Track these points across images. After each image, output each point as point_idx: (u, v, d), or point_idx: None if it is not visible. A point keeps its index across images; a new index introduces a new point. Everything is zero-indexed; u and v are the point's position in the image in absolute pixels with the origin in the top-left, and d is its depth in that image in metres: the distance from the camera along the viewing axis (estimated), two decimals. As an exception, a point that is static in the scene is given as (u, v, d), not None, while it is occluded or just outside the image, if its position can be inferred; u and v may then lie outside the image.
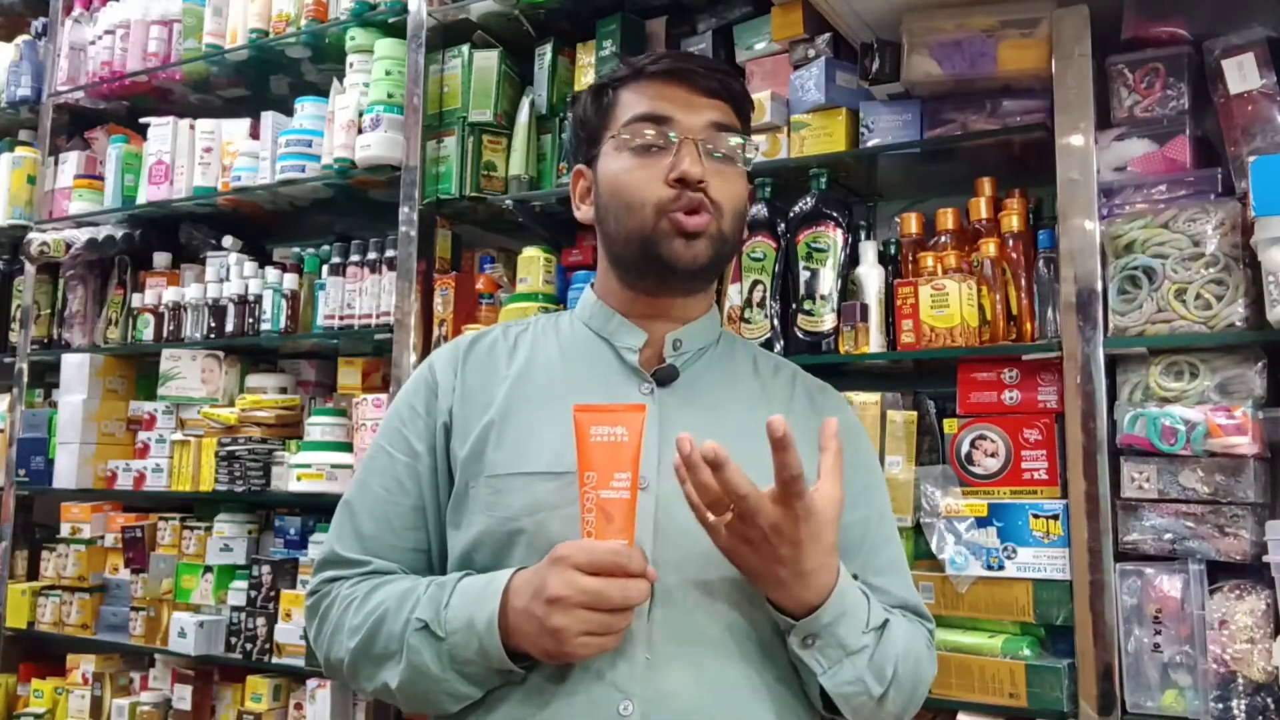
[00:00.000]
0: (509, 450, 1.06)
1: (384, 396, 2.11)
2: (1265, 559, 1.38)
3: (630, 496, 0.92)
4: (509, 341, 1.18)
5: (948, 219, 1.70)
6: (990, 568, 1.53)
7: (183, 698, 2.34)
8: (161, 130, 2.56)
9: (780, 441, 0.88)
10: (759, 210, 1.79)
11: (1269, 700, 1.36)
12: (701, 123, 1.09)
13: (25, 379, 2.77)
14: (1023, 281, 1.60)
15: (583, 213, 1.19)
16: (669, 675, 0.98)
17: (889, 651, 1.01)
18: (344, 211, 2.48)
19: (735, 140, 1.11)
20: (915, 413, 1.66)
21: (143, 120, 2.63)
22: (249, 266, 2.44)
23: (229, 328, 2.42)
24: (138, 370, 2.71)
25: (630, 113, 1.11)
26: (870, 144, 1.73)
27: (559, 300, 2.03)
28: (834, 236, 1.73)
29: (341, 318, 2.25)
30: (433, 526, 1.12)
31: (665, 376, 1.11)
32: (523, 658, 0.96)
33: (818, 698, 1.02)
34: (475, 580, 1.00)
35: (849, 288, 1.74)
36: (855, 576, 1.11)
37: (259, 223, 2.64)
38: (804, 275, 1.74)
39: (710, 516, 0.94)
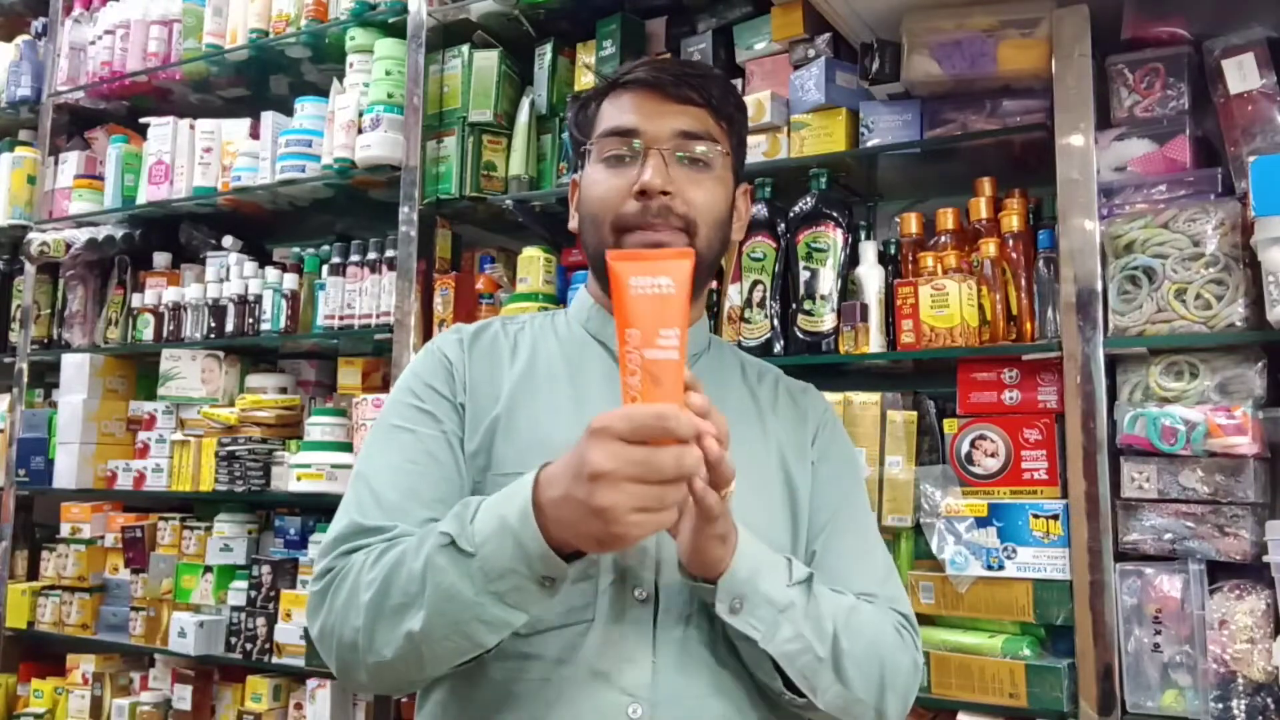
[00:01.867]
0: (518, 448, 1.05)
1: (384, 396, 2.11)
2: (1265, 559, 1.38)
3: (679, 357, 0.80)
4: (509, 338, 1.16)
5: (948, 219, 1.70)
6: (990, 568, 1.53)
7: (183, 698, 2.34)
8: (161, 130, 2.56)
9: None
10: (759, 210, 1.78)
11: (1269, 700, 1.36)
12: (668, 131, 1.07)
13: (25, 379, 2.77)
14: (1023, 281, 1.60)
15: (572, 223, 1.19)
16: (677, 678, 0.97)
17: (822, 607, 0.97)
18: (344, 211, 2.48)
19: (705, 146, 1.08)
20: (915, 413, 1.66)
21: (143, 120, 2.63)
22: (249, 266, 2.44)
23: (229, 328, 2.42)
24: (138, 370, 2.71)
25: (603, 126, 1.11)
26: (870, 144, 1.73)
27: (559, 300, 2.03)
28: (834, 236, 1.73)
29: (341, 318, 2.25)
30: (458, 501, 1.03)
31: None
32: (570, 557, 0.86)
33: (772, 673, 0.97)
34: (500, 492, 0.91)
35: (849, 288, 1.74)
36: (812, 559, 1.08)
37: (259, 223, 2.64)
38: (804, 275, 1.74)
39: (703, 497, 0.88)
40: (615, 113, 1.10)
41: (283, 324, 2.33)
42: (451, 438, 1.05)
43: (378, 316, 2.18)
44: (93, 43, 2.76)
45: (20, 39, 2.93)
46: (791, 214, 1.77)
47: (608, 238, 1.08)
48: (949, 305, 1.60)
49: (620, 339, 0.81)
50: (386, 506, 0.99)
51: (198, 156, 2.51)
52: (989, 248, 1.62)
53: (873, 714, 1.00)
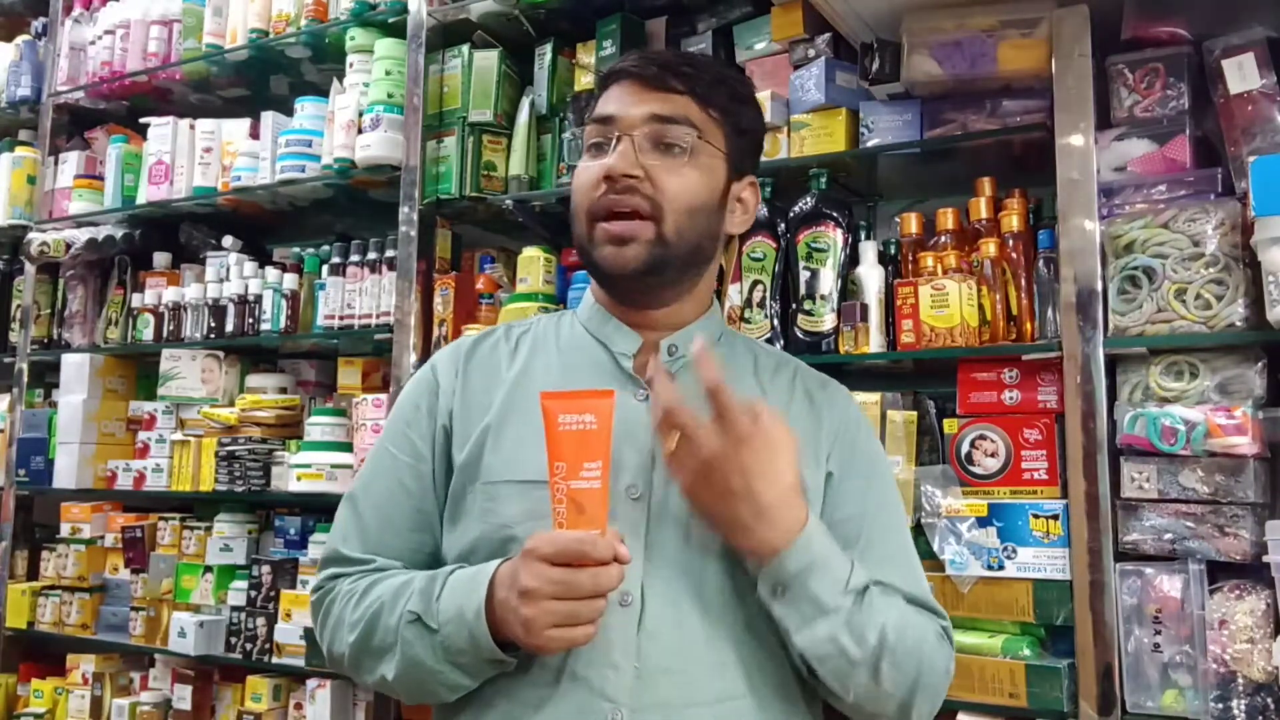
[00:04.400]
0: (503, 457, 1.06)
1: (384, 396, 2.11)
2: (1265, 559, 1.38)
3: (601, 486, 0.91)
4: (510, 343, 1.17)
5: (948, 219, 1.70)
6: (990, 568, 1.53)
7: (183, 698, 2.34)
8: (161, 130, 2.56)
9: (696, 357, 0.91)
10: (759, 210, 1.78)
11: (1269, 700, 1.36)
12: (639, 116, 1.08)
13: (25, 379, 2.77)
14: (1023, 281, 1.60)
15: None
16: (658, 686, 0.98)
17: (871, 617, 0.98)
18: (344, 211, 2.48)
19: (679, 130, 1.08)
20: (915, 413, 1.66)
21: (143, 120, 2.63)
22: (249, 266, 2.44)
23: (229, 328, 2.42)
24: (138, 370, 2.71)
25: (590, 116, 1.14)
26: (870, 144, 1.73)
27: (559, 300, 2.03)
28: (834, 236, 1.73)
29: (341, 318, 2.25)
30: (435, 527, 1.12)
31: None
32: (514, 647, 0.97)
33: (801, 663, 1.00)
34: (464, 572, 1.01)
35: (849, 288, 1.74)
36: None
37: (259, 223, 2.64)
38: (804, 275, 1.74)
39: (670, 444, 0.95)
40: (600, 103, 1.12)
41: (283, 324, 2.33)
42: (422, 466, 1.12)
43: (378, 316, 2.18)
44: (93, 43, 2.75)
45: (20, 39, 2.93)
46: (791, 214, 1.77)
47: (583, 225, 1.10)
48: (949, 305, 1.60)
49: (550, 471, 0.92)
50: (367, 537, 1.11)
51: (198, 156, 2.50)
52: (989, 248, 1.62)
53: (896, 707, 1.02)
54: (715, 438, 0.92)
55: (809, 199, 1.76)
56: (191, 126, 2.54)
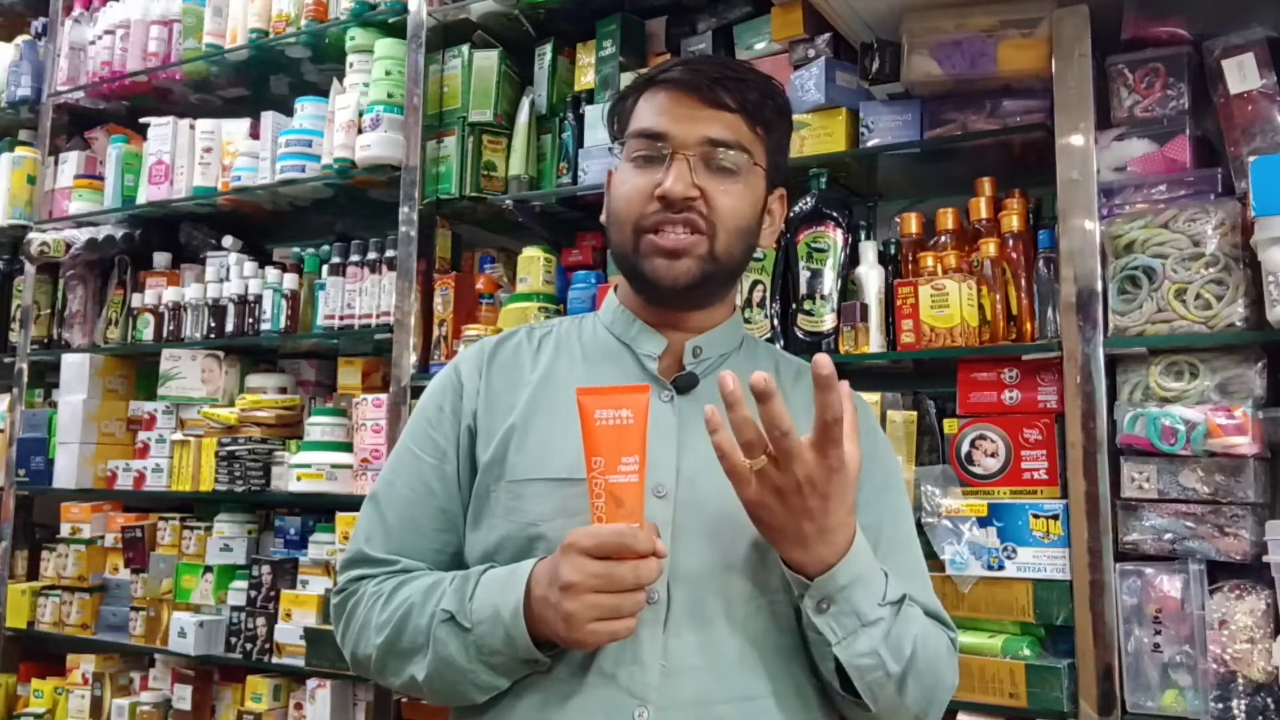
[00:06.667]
0: (530, 456, 1.06)
1: (384, 396, 2.11)
2: (1265, 559, 1.38)
3: (639, 480, 0.91)
4: (533, 345, 1.17)
5: (948, 219, 1.70)
6: (990, 568, 1.53)
7: (183, 698, 2.35)
8: (161, 130, 2.56)
9: (825, 380, 0.85)
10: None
11: (1269, 700, 1.36)
12: (696, 137, 1.07)
13: (25, 379, 2.78)
14: (1023, 281, 1.60)
15: (604, 215, 1.18)
16: (685, 683, 0.98)
17: (907, 629, 0.99)
18: (344, 211, 2.48)
19: (733, 155, 1.08)
20: (915, 413, 1.66)
21: (143, 120, 2.63)
22: (249, 266, 2.45)
23: (229, 328, 2.42)
24: (138, 370, 2.71)
25: (634, 125, 1.11)
26: (870, 144, 1.73)
27: (559, 300, 2.03)
28: (834, 236, 1.73)
29: (341, 318, 2.25)
30: (459, 528, 1.11)
31: (685, 384, 1.11)
32: (548, 646, 0.96)
33: (833, 673, 0.99)
34: (499, 571, 1.00)
35: (849, 288, 1.74)
36: None
37: (259, 223, 2.64)
38: (804, 275, 1.74)
39: (742, 460, 0.91)
40: (648, 112, 1.10)
41: (283, 324, 2.33)
42: (446, 466, 1.12)
43: (378, 316, 2.18)
44: (93, 43, 2.76)
45: (20, 39, 2.93)
46: (791, 214, 1.77)
47: (629, 238, 1.09)
48: (949, 305, 1.60)
49: (587, 466, 0.92)
50: (390, 538, 1.11)
51: (198, 156, 2.51)
52: (989, 248, 1.62)
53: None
54: (815, 462, 0.89)
55: (809, 199, 1.76)
56: (191, 126, 2.54)
